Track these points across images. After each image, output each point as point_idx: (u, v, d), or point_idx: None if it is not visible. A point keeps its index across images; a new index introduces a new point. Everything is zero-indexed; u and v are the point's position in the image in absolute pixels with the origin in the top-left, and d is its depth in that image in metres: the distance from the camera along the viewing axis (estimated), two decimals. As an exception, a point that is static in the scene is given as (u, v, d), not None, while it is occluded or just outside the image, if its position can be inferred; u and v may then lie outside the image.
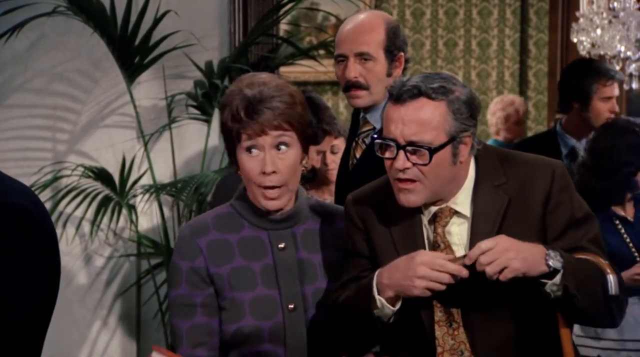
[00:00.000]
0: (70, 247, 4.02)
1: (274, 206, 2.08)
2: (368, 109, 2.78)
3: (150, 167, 3.89)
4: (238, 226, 2.12)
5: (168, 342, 3.90)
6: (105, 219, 3.88)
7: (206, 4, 4.05)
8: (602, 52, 5.59)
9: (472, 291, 1.99)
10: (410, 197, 2.01)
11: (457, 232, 2.07)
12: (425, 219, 2.09)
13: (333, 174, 3.46)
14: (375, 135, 2.05)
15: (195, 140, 4.06)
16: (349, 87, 2.74)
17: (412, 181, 2.00)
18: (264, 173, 2.04)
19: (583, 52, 5.58)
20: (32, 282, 1.91)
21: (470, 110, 2.01)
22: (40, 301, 1.94)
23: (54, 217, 3.82)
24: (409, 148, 1.98)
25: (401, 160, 1.98)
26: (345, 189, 2.46)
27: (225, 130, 2.08)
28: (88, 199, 3.86)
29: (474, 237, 2.02)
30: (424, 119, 1.97)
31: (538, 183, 2.05)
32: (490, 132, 6.29)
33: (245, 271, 2.09)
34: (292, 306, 2.09)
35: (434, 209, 2.07)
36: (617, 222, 3.37)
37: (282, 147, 2.05)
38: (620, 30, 5.42)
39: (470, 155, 2.05)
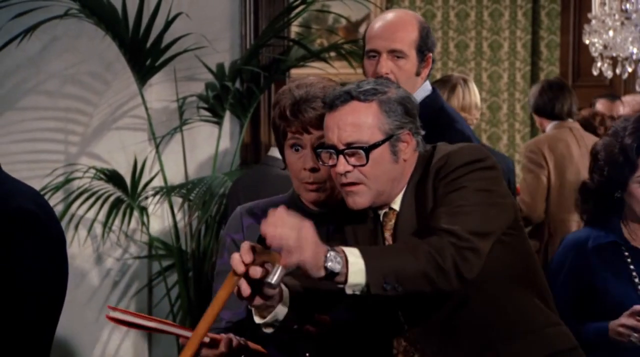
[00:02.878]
0: (82, 249, 4.03)
1: (314, 198, 2.16)
2: None
3: (162, 169, 3.90)
4: None
5: (179, 345, 3.90)
6: (117, 221, 3.89)
7: (217, 7, 4.06)
8: (614, 54, 5.57)
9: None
10: (357, 200, 2.01)
11: None
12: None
13: None
14: (317, 146, 2.06)
15: (207, 142, 4.07)
16: None
17: (356, 183, 2.01)
18: (305, 169, 2.14)
19: (595, 54, 5.56)
20: (39, 285, 1.91)
21: (404, 108, 2.02)
22: (47, 303, 1.94)
23: (65, 219, 3.84)
24: (347, 151, 1.99)
25: (342, 165, 1.99)
26: None
27: (274, 127, 2.21)
28: (100, 201, 3.88)
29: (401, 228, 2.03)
30: (357, 121, 1.99)
31: (435, 166, 2.04)
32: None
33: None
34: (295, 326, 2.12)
35: (382, 212, 2.08)
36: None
37: None
38: (633, 32, 5.40)
39: (416, 153, 2.05)
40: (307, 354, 2.07)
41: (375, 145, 1.99)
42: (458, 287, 1.90)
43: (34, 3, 3.70)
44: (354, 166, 1.99)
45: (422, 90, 2.86)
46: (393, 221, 2.07)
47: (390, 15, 2.83)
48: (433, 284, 1.87)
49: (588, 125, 4.83)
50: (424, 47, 2.78)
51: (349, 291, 1.83)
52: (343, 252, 1.82)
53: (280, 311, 1.92)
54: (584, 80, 7.14)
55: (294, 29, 4.41)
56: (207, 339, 1.94)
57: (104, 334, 4.09)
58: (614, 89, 6.76)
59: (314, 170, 2.12)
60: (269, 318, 1.92)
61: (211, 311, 1.78)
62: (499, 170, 2.04)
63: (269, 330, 1.95)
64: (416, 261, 1.86)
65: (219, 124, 3.97)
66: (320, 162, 2.04)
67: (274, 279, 1.76)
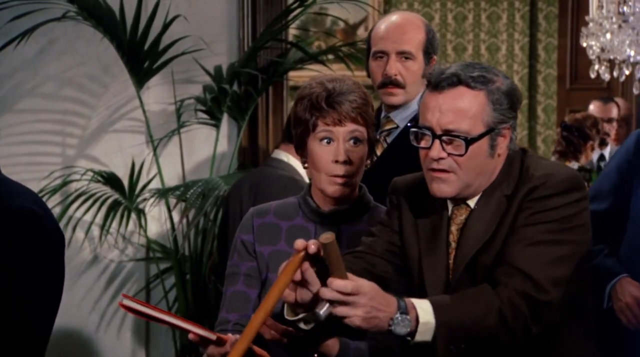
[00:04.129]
0: (79, 251, 4.03)
1: (339, 192, 2.17)
2: (392, 108, 2.80)
3: (159, 172, 3.90)
4: (294, 214, 2.24)
5: (177, 347, 3.90)
6: (115, 224, 3.89)
7: (215, 9, 4.06)
8: (611, 57, 5.58)
9: None
10: (443, 188, 1.94)
11: None
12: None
13: None
14: (411, 124, 2.02)
15: (204, 144, 4.07)
16: (386, 84, 2.76)
17: (447, 171, 1.93)
18: (336, 161, 2.13)
19: (592, 57, 5.57)
20: (39, 285, 1.92)
21: (510, 102, 1.93)
22: (45, 303, 1.95)
23: (63, 222, 3.83)
24: (445, 137, 1.91)
25: (436, 150, 1.91)
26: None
27: (298, 121, 2.18)
28: (97, 204, 3.87)
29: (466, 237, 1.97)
30: (461, 108, 1.90)
31: (527, 186, 1.96)
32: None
33: (284, 255, 2.13)
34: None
35: (453, 205, 2.02)
36: None
37: (356, 141, 2.15)
38: (630, 35, 5.40)
39: (509, 148, 1.98)
40: (315, 355, 2.07)
41: (477, 138, 1.90)
42: (521, 340, 1.84)
43: (32, 5, 3.70)
44: (449, 154, 1.91)
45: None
46: (464, 216, 1.99)
47: (397, 17, 2.85)
48: (498, 342, 1.83)
49: (579, 128, 4.83)
50: (430, 49, 2.79)
51: (412, 342, 1.79)
52: (414, 309, 1.77)
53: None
54: (581, 83, 7.15)
55: (292, 31, 4.41)
56: (214, 337, 1.94)
57: (101, 336, 4.09)
58: (612, 91, 6.77)
59: (346, 163, 2.12)
60: (305, 316, 1.84)
61: (271, 298, 1.73)
62: (587, 200, 1.98)
63: (306, 326, 1.88)
64: (486, 321, 1.80)
65: (217, 126, 3.97)
66: (412, 138, 1.95)
67: (322, 310, 1.73)
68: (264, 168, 3.32)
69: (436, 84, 1.93)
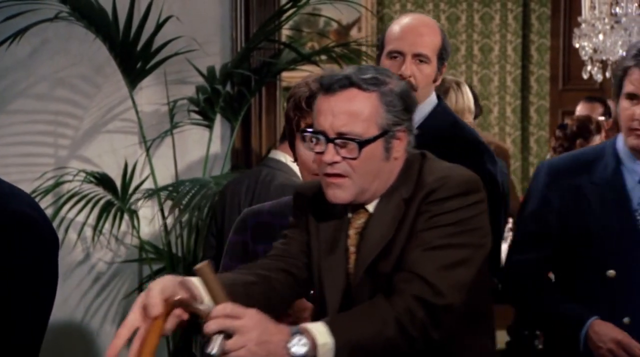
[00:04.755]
0: (72, 252, 4.02)
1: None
2: None
3: (152, 173, 3.89)
4: (289, 213, 2.22)
5: (170, 349, 3.89)
6: (107, 225, 3.88)
7: (208, 10, 4.05)
8: (604, 58, 5.59)
9: None
10: (338, 193, 1.90)
11: None
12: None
13: None
14: (303, 129, 2.00)
15: (197, 145, 4.06)
16: None
17: (341, 176, 1.90)
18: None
19: (585, 58, 5.58)
20: (35, 289, 1.92)
21: (404, 104, 1.91)
22: (40, 305, 1.95)
23: (55, 223, 3.82)
24: (338, 141, 1.87)
25: (330, 154, 1.88)
26: None
27: (286, 120, 2.24)
28: (90, 205, 3.86)
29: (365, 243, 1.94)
30: (354, 110, 1.87)
31: (425, 189, 1.93)
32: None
33: None
34: (312, 292, 2.13)
35: (352, 209, 1.97)
36: None
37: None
38: (622, 36, 5.41)
39: (406, 152, 1.95)
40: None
41: (370, 140, 1.87)
42: (422, 347, 1.81)
43: (24, 6, 3.69)
44: (343, 158, 1.88)
45: (431, 99, 2.87)
46: (362, 220, 1.96)
47: (415, 19, 2.84)
48: (398, 350, 1.79)
49: (583, 127, 4.80)
50: (444, 54, 2.80)
51: None
52: (308, 331, 1.70)
53: None
54: (574, 84, 7.16)
55: (285, 32, 4.41)
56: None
57: (94, 337, 4.08)
58: (604, 92, 6.79)
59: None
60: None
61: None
62: (486, 203, 1.95)
63: None
64: (385, 332, 1.76)
65: (210, 127, 3.96)
66: (304, 145, 1.93)
67: (214, 349, 1.62)
68: (261, 169, 3.31)
69: (328, 86, 1.89)
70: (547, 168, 2.58)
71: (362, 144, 1.87)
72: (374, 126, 1.88)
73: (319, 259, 1.99)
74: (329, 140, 1.89)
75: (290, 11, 3.89)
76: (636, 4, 5.33)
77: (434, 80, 2.81)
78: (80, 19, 3.75)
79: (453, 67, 7.34)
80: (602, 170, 2.48)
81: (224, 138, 4.08)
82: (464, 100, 3.90)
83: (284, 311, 2.03)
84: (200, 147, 4.03)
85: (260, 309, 1.71)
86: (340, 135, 1.88)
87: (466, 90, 3.94)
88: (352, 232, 1.97)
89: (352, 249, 1.96)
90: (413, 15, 2.88)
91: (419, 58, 2.75)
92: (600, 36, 5.48)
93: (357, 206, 1.97)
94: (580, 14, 5.66)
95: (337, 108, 1.88)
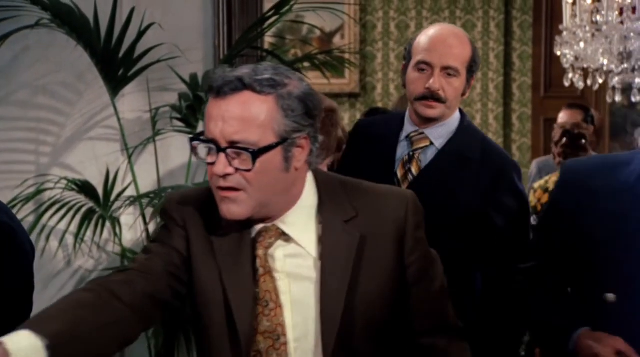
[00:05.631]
0: (53, 260, 3.99)
1: None
2: (425, 122, 2.69)
3: (134, 180, 3.88)
4: None
5: (152, 354, 3.87)
6: (89, 232, 3.86)
7: (190, 17, 4.05)
8: (585, 65, 5.62)
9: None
10: (232, 209, 1.70)
11: (282, 257, 1.78)
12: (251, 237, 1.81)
13: None
14: (193, 136, 1.79)
15: (180, 153, 4.05)
16: (426, 97, 2.65)
17: (236, 189, 1.70)
18: None
19: (566, 65, 5.61)
20: (12, 299, 1.91)
21: (305, 108, 1.71)
22: (17, 314, 1.93)
23: (37, 230, 3.80)
24: (230, 151, 1.67)
25: (221, 165, 1.67)
26: None
27: None
28: (71, 212, 3.84)
29: (326, 279, 1.74)
30: (248, 115, 1.66)
31: (391, 217, 1.80)
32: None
33: None
34: None
35: (259, 226, 1.79)
36: None
37: None
38: (603, 44, 5.45)
39: (309, 163, 1.77)
40: None
41: (266, 149, 1.67)
42: None
43: (5, 13, 3.67)
44: (237, 169, 1.68)
45: (457, 114, 2.77)
46: (274, 240, 1.77)
47: (444, 29, 2.73)
48: None
49: (577, 134, 4.76)
50: (473, 67, 2.70)
51: None
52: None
53: None
54: (555, 91, 7.20)
55: (268, 39, 4.41)
56: None
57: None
58: (585, 100, 6.83)
59: None
60: None
61: None
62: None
63: None
64: None
65: (192, 134, 3.95)
66: (194, 156, 1.74)
67: None
68: None
69: (219, 89, 1.68)
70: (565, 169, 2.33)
71: (257, 153, 1.66)
72: (270, 133, 1.68)
73: (220, 274, 1.78)
74: (219, 149, 1.68)
75: (273, 18, 3.88)
76: (617, 12, 5.36)
77: (463, 94, 2.72)
78: (61, 26, 3.73)
79: (436, 74, 7.36)
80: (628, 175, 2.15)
81: (206, 145, 4.06)
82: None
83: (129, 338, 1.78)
84: (183, 154, 4.02)
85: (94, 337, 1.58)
86: (233, 144, 1.67)
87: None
88: (261, 252, 1.78)
89: (261, 270, 1.77)
90: (442, 26, 2.76)
91: (448, 71, 2.64)
92: (582, 44, 5.51)
93: (257, 221, 1.78)
94: (561, 21, 5.70)
95: (228, 114, 1.67)
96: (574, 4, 5.57)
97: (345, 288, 1.74)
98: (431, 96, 2.64)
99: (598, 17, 5.45)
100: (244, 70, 1.70)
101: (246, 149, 1.66)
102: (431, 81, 2.63)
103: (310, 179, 1.80)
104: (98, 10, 3.73)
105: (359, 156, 2.77)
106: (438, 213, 2.45)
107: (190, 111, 3.91)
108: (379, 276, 1.77)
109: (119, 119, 3.86)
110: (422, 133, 2.69)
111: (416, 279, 1.82)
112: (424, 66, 2.66)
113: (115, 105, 3.84)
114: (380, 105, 6.84)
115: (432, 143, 2.68)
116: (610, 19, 5.33)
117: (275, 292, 1.75)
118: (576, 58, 5.59)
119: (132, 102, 4.02)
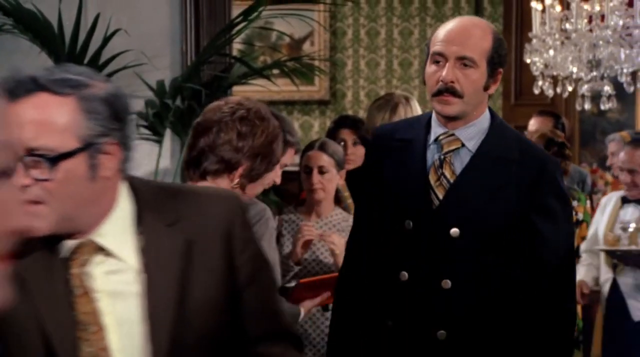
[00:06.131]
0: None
1: None
2: (451, 121, 2.46)
3: (100, 189, 3.81)
4: None
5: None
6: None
7: (157, 23, 3.99)
8: (554, 73, 5.63)
9: None
10: (34, 224, 1.51)
11: (101, 274, 1.60)
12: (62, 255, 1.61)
13: (318, 195, 3.41)
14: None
15: (147, 160, 3.98)
16: (442, 91, 2.41)
17: (37, 202, 1.52)
18: None
19: (536, 73, 5.63)
20: None
21: (111, 110, 1.56)
22: None
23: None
24: (28, 159, 1.49)
25: (18, 176, 1.46)
26: (448, 213, 2.40)
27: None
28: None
29: (152, 292, 1.59)
30: (44, 120, 1.51)
31: (216, 218, 1.67)
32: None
33: None
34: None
35: (71, 243, 1.60)
36: None
37: None
38: (573, 52, 5.47)
39: (121, 172, 1.61)
40: None
41: (66, 155, 1.51)
42: None
43: (-33, 18, 3.60)
44: (36, 180, 1.50)
45: (487, 113, 2.52)
46: (89, 256, 1.60)
47: (463, 19, 2.51)
48: None
49: (551, 141, 4.73)
50: (496, 59, 2.43)
51: None
52: None
53: None
54: (525, 99, 7.22)
55: (236, 46, 4.36)
56: None
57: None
58: (555, 107, 6.85)
59: None
60: None
61: None
62: None
63: None
64: None
65: (159, 142, 3.89)
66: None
67: None
68: None
69: (11, 91, 1.51)
70: None
71: (55, 160, 1.50)
72: (71, 138, 1.52)
73: (34, 303, 1.59)
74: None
75: (241, 25, 3.84)
76: (586, 20, 5.39)
77: (486, 88, 2.45)
78: (24, 32, 3.66)
79: (406, 81, 7.35)
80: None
81: (173, 153, 4.01)
82: (413, 115, 3.88)
83: None
84: (150, 162, 3.95)
85: None
86: (30, 152, 1.50)
87: (415, 105, 3.92)
88: (76, 270, 1.59)
89: (79, 290, 1.60)
90: (462, 17, 2.55)
91: (464, 61, 2.40)
92: (551, 51, 5.53)
93: (68, 236, 1.60)
94: (531, 29, 5.71)
95: (23, 117, 1.51)
96: (543, 11, 5.59)
97: (173, 300, 1.60)
98: (446, 90, 2.40)
99: (567, 25, 5.47)
100: (38, 71, 1.56)
101: (44, 156, 1.51)
102: (444, 73, 2.40)
103: (124, 187, 1.64)
104: (62, 16, 3.66)
105: (382, 166, 2.54)
106: (479, 221, 2.37)
107: (157, 118, 3.86)
108: (209, 282, 1.63)
109: (84, 127, 3.79)
110: (452, 134, 2.46)
111: (247, 281, 1.68)
112: (439, 58, 2.42)
113: (80, 112, 3.77)
114: (350, 112, 6.81)
115: (463, 145, 2.46)
116: (579, 26, 5.36)
117: (94, 314, 1.59)
118: (546, 66, 5.60)
119: (98, 110, 3.95)
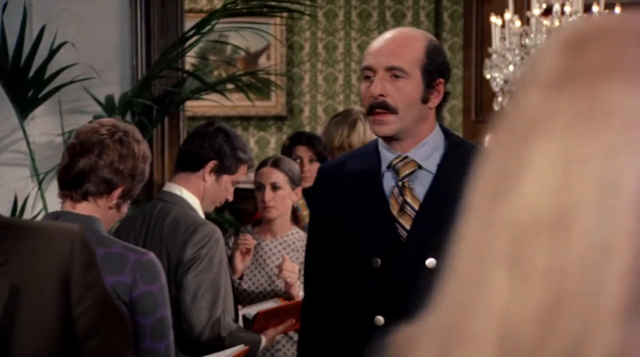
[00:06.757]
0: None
1: None
2: (403, 143, 2.27)
3: (45, 208, 3.66)
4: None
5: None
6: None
7: (106, 36, 3.86)
8: (514, 89, 5.59)
9: None
10: None
11: None
12: None
13: (271, 213, 3.29)
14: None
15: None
16: (373, 107, 2.23)
17: None
18: None
19: (496, 89, 5.58)
20: None
21: None
22: None
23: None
24: None
25: None
26: (415, 239, 2.21)
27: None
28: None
29: None
30: None
31: (51, 259, 1.48)
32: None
33: None
34: None
35: None
36: None
37: None
38: (533, 67, 5.43)
39: None
40: None
41: None
42: None
43: None
44: None
45: (437, 127, 2.34)
46: None
47: (394, 30, 2.34)
48: None
49: None
50: (431, 68, 2.24)
51: None
52: None
53: None
54: (486, 115, 7.17)
55: (190, 59, 4.25)
56: None
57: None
58: (515, 123, 6.80)
59: None
60: None
61: None
62: None
63: None
64: None
65: (108, 159, 3.75)
66: None
67: None
68: (155, 203, 3.13)
69: None
70: None
71: None
72: None
73: None
74: None
75: (194, 38, 3.74)
76: (545, 35, 5.35)
77: (424, 101, 2.26)
78: (-36, 43, 3.51)
79: (365, 96, 7.28)
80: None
81: (123, 171, 3.87)
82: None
83: None
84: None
85: None
86: None
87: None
88: None
89: None
90: (396, 29, 2.39)
91: (394, 73, 2.22)
92: (511, 67, 5.49)
93: None
94: (491, 44, 5.66)
95: None
96: (503, 26, 5.54)
97: None
98: (377, 105, 2.22)
99: (527, 40, 5.43)
100: None
101: None
102: (371, 87, 2.22)
103: None
104: (5, 27, 3.53)
105: (336, 204, 2.33)
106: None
107: (106, 135, 3.72)
108: (39, 334, 1.44)
109: (28, 143, 3.65)
110: (406, 157, 2.28)
111: (88, 333, 1.50)
112: (369, 72, 2.25)
113: (25, 128, 3.63)
114: (307, 128, 6.70)
115: (420, 166, 2.27)
116: (539, 41, 5.32)
117: None
118: (505, 81, 5.56)
119: (43, 125, 3.82)
